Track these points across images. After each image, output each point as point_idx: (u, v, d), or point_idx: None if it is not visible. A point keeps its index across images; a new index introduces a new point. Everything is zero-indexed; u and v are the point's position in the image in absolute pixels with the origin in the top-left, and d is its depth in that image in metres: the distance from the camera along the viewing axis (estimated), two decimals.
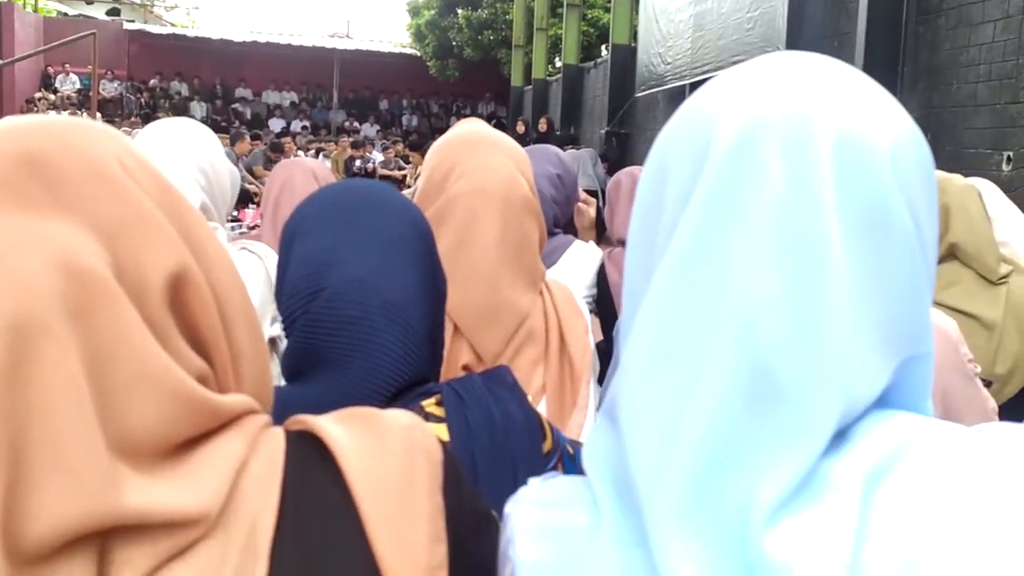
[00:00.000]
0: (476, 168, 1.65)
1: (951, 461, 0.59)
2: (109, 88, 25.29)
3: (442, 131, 13.53)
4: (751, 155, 0.64)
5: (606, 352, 3.02)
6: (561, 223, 3.02)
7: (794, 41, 8.30)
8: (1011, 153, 5.61)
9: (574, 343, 1.73)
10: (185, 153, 2.18)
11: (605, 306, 2.97)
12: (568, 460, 1.27)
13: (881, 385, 0.64)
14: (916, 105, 6.65)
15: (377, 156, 18.89)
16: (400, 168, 17.51)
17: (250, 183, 12.65)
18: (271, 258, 2.27)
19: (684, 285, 0.64)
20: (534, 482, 0.74)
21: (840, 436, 0.62)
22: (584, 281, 2.91)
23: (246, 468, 0.67)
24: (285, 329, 1.18)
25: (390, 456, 0.72)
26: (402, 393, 1.14)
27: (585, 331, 1.77)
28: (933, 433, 0.62)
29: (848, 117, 0.65)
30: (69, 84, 25.27)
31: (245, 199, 12.16)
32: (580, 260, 2.91)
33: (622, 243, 3.03)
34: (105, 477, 0.60)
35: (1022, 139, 5.55)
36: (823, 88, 0.67)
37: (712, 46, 9.77)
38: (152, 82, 26.73)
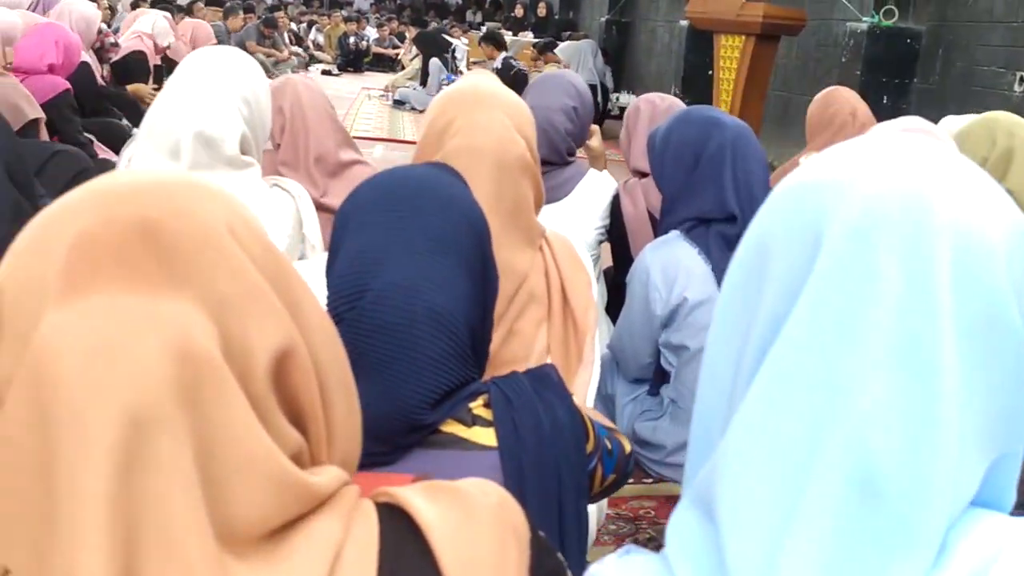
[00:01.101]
0: (472, 126, 1.65)
1: None
2: None
3: (437, 6, 13.27)
4: (867, 252, 0.64)
5: (615, 281, 3.05)
6: (576, 146, 2.99)
7: None
8: (1023, 74, 5.55)
9: (577, 300, 1.73)
10: (229, 83, 2.16)
11: (617, 235, 2.98)
12: (607, 456, 1.30)
13: (977, 485, 0.65)
14: (929, 16, 6.53)
15: (371, 33, 18.51)
16: (394, 47, 17.18)
17: None
18: (303, 196, 2.26)
19: (794, 382, 0.64)
20: (610, 560, 0.76)
21: None
22: (598, 211, 2.91)
23: (341, 553, 0.69)
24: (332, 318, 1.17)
25: (482, 538, 0.73)
26: (448, 395, 1.15)
27: (588, 286, 1.77)
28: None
29: (965, 213, 0.64)
30: None
31: None
32: (594, 190, 2.91)
33: (638, 173, 3.02)
34: (213, 568, 0.62)
35: None
36: (938, 180, 0.66)
37: None
38: None
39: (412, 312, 1.12)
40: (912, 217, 0.64)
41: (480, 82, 1.79)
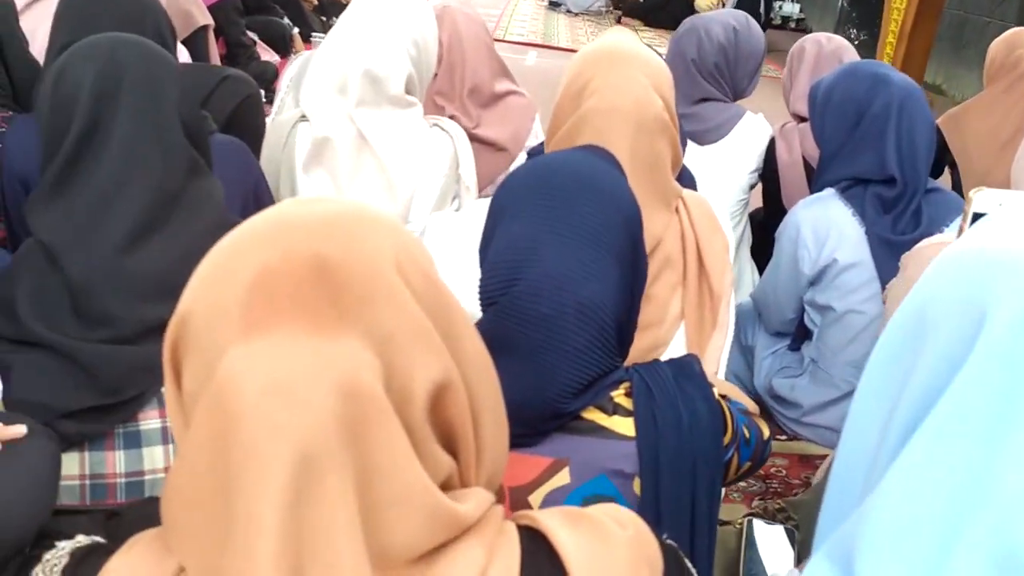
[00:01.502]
0: (609, 86, 1.65)
1: None
2: None
3: None
4: None
5: (762, 223, 3.01)
6: (739, 89, 2.94)
7: None
8: None
9: (713, 264, 1.73)
10: (399, 24, 2.20)
11: (770, 181, 2.94)
12: (744, 445, 1.31)
13: None
14: None
15: None
16: None
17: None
18: (460, 137, 2.30)
19: (945, 458, 0.65)
20: None
21: None
22: (752, 156, 2.87)
23: None
24: (482, 305, 1.21)
25: (617, 568, 0.77)
26: (592, 384, 1.18)
27: (725, 249, 1.75)
28: None
29: None
30: None
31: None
32: (750, 134, 2.87)
33: (796, 117, 2.95)
34: None
35: None
36: None
37: None
38: None
39: (561, 304, 1.15)
40: None
41: (618, 40, 1.77)
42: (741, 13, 2.94)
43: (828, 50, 2.95)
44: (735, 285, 2.86)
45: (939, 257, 0.72)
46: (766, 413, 2.47)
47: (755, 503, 2.35)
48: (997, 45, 3.31)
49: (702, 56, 2.83)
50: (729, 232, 1.82)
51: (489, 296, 1.20)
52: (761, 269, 2.76)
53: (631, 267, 1.24)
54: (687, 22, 2.95)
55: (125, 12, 1.90)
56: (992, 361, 0.64)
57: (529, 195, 1.24)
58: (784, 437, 2.47)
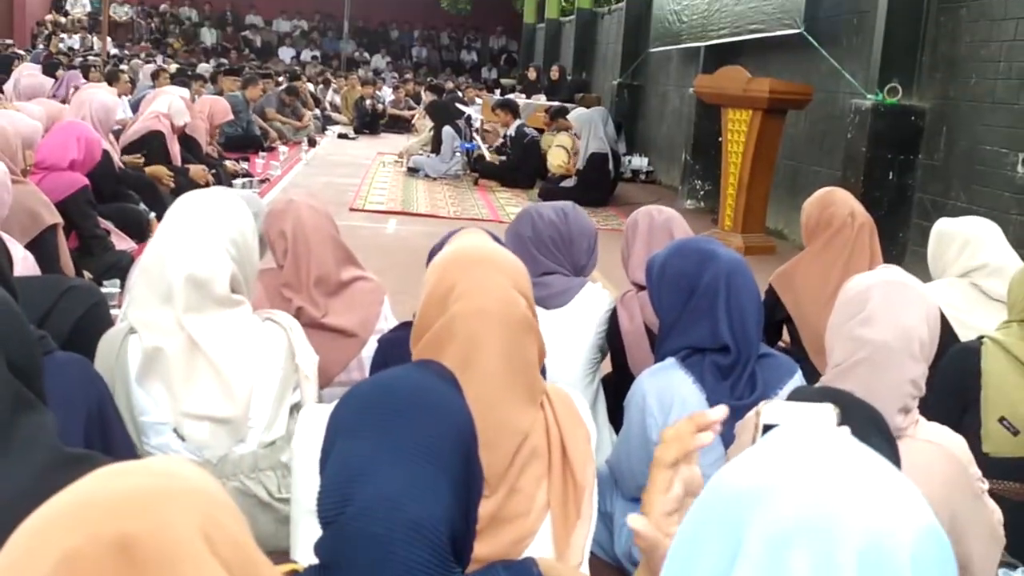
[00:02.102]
0: (474, 289, 1.70)
1: None
2: (120, 12, 24.98)
3: (452, 65, 13.41)
4: (779, 560, 0.71)
5: (616, 383, 3.12)
6: (572, 270, 3.10)
7: (812, 14, 8.19)
8: None
9: (576, 456, 1.78)
10: (217, 226, 2.24)
11: (614, 348, 3.06)
12: None
13: None
14: (932, 95, 6.61)
15: (387, 94, 18.76)
16: (410, 108, 17.42)
17: (261, 127, 12.63)
18: (294, 328, 2.34)
19: None
20: None
21: None
22: (595, 320, 2.99)
23: None
24: (320, 523, 1.24)
25: None
26: None
27: (587, 440, 1.81)
28: None
29: (874, 520, 0.71)
30: (80, 7, 24.99)
31: (255, 145, 12.15)
32: (590, 301, 3.00)
33: (636, 285, 3.09)
34: None
35: None
36: (850, 487, 0.73)
37: (729, 11, 9.64)
38: (163, 7, 26.43)
39: (393, 523, 1.18)
40: (822, 525, 0.71)
41: (473, 243, 1.85)
42: (568, 203, 3.13)
43: (659, 222, 3.14)
44: (596, 450, 2.95)
45: (706, 487, 0.80)
46: None
47: None
48: (811, 205, 3.57)
49: (537, 233, 2.98)
50: (590, 424, 1.88)
51: (325, 516, 1.22)
52: (618, 431, 2.84)
53: (464, 482, 1.27)
54: (521, 211, 3.13)
55: None
56: None
57: (365, 413, 1.28)
58: None
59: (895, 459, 1.62)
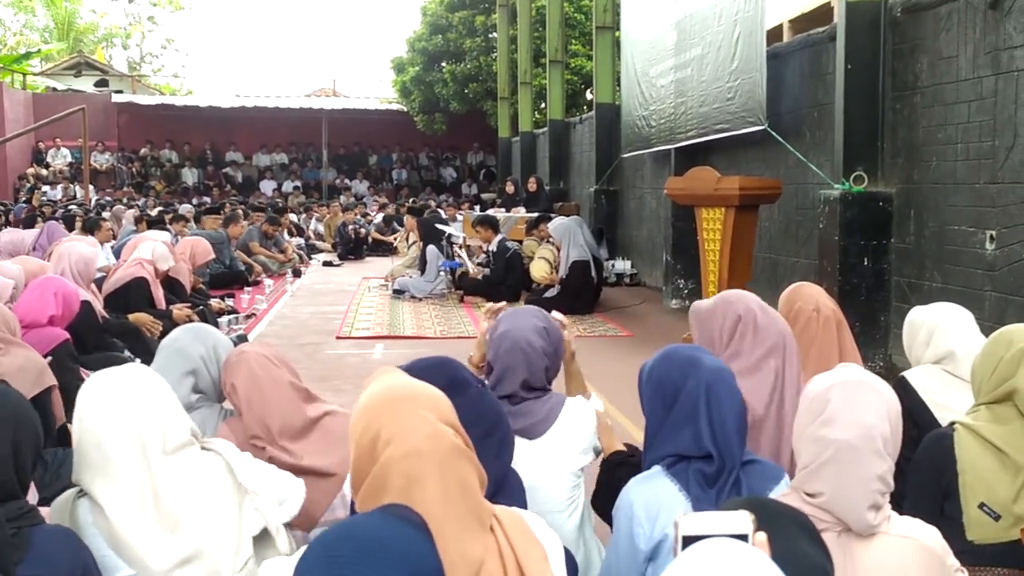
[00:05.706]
0: (400, 432, 1.70)
1: None
2: (100, 160, 25.45)
3: (432, 184, 13.74)
4: None
5: (606, 480, 3.11)
6: (552, 374, 3.10)
7: (775, 110, 8.41)
8: (994, 232, 5.69)
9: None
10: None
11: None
12: None
13: None
14: (897, 180, 6.74)
15: (377, 217, 18.98)
16: (393, 232, 17.64)
17: (245, 262, 12.77)
18: (228, 449, 2.40)
19: None
20: None
21: None
22: (580, 445, 2.99)
23: None
24: None
25: None
26: None
27: (544, 559, 1.80)
28: None
29: None
30: (60, 158, 25.44)
31: (240, 281, 12.27)
32: (574, 423, 3.00)
33: None
34: None
35: (1003, 219, 5.61)
36: None
37: (694, 113, 9.89)
38: (143, 151, 26.89)
39: None
40: None
41: (390, 383, 1.83)
42: (537, 311, 3.18)
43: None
44: (585, 567, 2.92)
45: None
46: None
47: None
48: (780, 302, 3.63)
49: (533, 369, 3.01)
50: (546, 539, 1.87)
51: None
52: None
53: None
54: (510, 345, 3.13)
55: None
56: None
57: (331, 565, 1.29)
58: None
59: (825, 558, 1.63)
